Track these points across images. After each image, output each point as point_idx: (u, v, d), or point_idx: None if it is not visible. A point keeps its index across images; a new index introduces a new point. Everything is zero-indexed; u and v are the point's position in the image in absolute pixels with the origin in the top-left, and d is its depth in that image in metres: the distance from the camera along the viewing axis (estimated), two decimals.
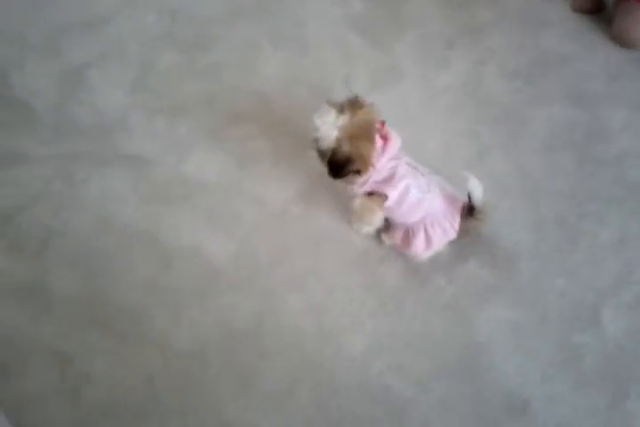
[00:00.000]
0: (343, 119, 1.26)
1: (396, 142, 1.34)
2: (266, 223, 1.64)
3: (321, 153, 1.32)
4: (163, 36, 1.94)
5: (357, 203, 1.45)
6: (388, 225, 1.53)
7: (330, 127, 1.26)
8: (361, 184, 1.38)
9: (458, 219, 1.42)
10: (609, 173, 1.65)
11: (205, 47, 1.91)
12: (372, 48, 1.88)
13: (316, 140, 1.30)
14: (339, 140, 1.26)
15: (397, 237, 1.49)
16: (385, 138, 1.34)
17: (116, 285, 1.57)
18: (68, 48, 1.91)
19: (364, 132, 1.29)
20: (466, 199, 1.41)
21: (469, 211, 1.42)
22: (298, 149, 1.73)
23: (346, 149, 1.27)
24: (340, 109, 1.27)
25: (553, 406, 1.41)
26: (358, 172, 1.32)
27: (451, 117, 1.75)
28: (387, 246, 1.58)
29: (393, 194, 1.35)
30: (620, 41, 1.84)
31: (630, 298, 1.51)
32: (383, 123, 1.35)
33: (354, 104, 1.30)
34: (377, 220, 1.48)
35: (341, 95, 1.81)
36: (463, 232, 1.45)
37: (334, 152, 1.28)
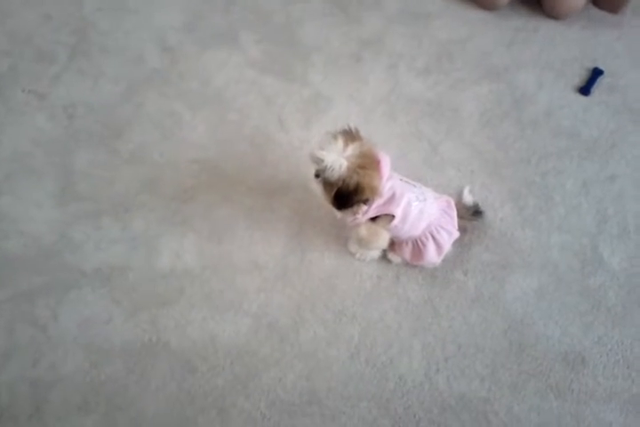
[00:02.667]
0: (351, 149, 1.25)
1: (387, 163, 1.35)
2: (270, 286, 1.56)
3: (328, 184, 1.29)
4: (65, 135, 1.77)
5: (363, 230, 1.43)
6: (391, 244, 1.53)
7: (338, 157, 1.24)
8: (364, 212, 1.37)
9: (456, 218, 1.47)
10: (546, 129, 1.79)
11: (120, 133, 1.77)
12: (288, 83, 1.87)
13: (322, 172, 1.27)
14: (349, 169, 1.24)
15: (406, 252, 1.50)
16: (377, 161, 1.34)
17: (143, 412, 1.41)
18: None
19: (371, 162, 1.29)
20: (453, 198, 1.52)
21: (466, 214, 1.55)
22: (264, 202, 1.67)
23: (355, 178, 1.26)
24: (345, 140, 1.25)
25: (604, 347, 1.50)
26: (366, 201, 1.31)
27: (391, 125, 1.79)
28: (395, 264, 1.57)
29: (398, 212, 1.36)
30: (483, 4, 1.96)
31: (616, 229, 1.65)
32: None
33: (352, 135, 1.29)
34: (385, 242, 1.48)
35: (281, 136, 1.79)
36: (460, 229, 1.51)
37: (345, 182, 1.25)
